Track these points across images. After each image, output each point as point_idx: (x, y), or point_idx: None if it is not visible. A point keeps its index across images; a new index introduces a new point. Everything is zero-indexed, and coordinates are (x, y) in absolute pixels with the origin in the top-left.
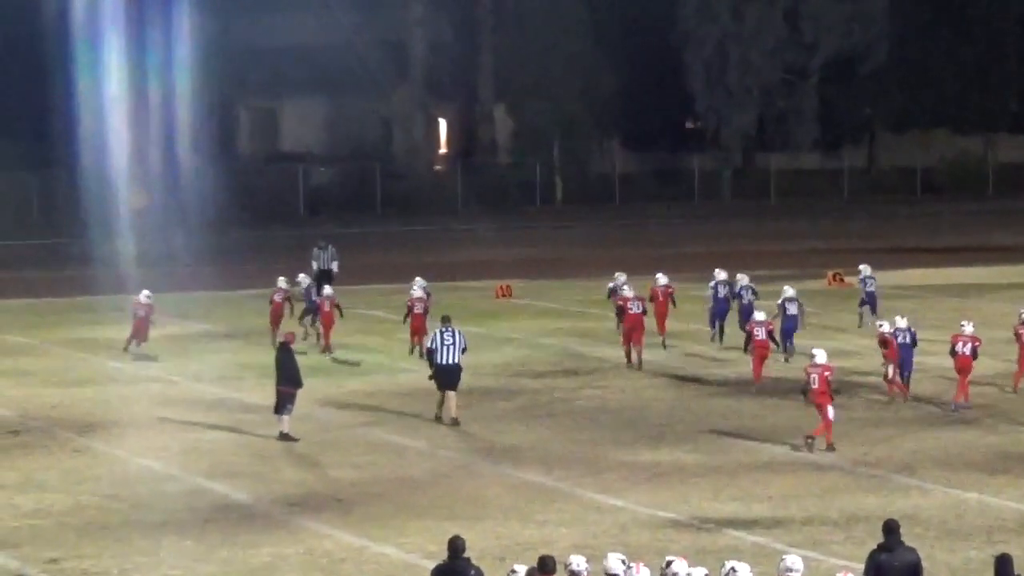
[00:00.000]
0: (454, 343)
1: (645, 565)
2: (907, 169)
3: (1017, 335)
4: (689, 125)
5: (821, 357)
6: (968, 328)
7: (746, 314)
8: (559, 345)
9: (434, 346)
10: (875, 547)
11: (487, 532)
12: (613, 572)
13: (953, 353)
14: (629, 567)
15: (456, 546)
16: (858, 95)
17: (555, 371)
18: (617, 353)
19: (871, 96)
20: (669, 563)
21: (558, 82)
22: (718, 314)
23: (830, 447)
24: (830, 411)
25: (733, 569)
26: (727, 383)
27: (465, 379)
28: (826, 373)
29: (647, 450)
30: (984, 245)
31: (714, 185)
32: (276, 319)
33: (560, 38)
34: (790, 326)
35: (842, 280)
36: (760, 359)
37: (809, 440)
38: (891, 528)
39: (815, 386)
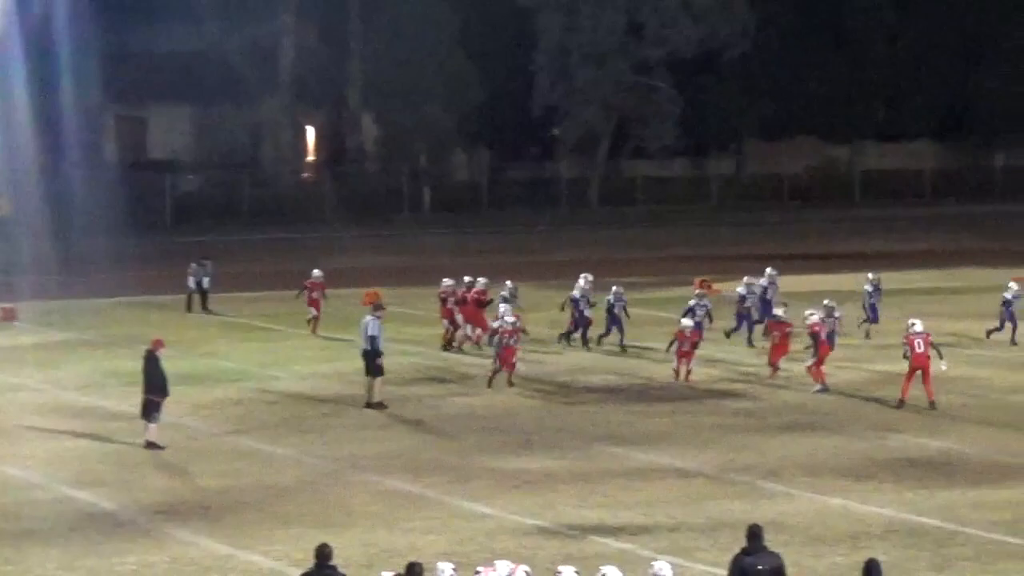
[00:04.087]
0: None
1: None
2: (774, 176)
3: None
4: (555, 132)
5: (919, 326)
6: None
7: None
8: (427, 353)
9: (375, 333)
10: (739, 551)
11: (354, 540)
12: None
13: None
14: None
15: (323, 554)
16: (725, 103)
17: (422, 378)
18: (481, 361)
19: (738, 104)
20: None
21: (425, 90)
22: (581, 323)
23: (932, 404)
24: (944, 365)
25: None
26: (593, 390)
27: (333, 386)
28: (928, 337)
29: (514, 457)
30: (851, 252)
31: (581, 193)
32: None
33: (427, 46)
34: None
35: (710, 287)
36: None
37: (933, 404)
38: (754, 533)
39: (920, 350)
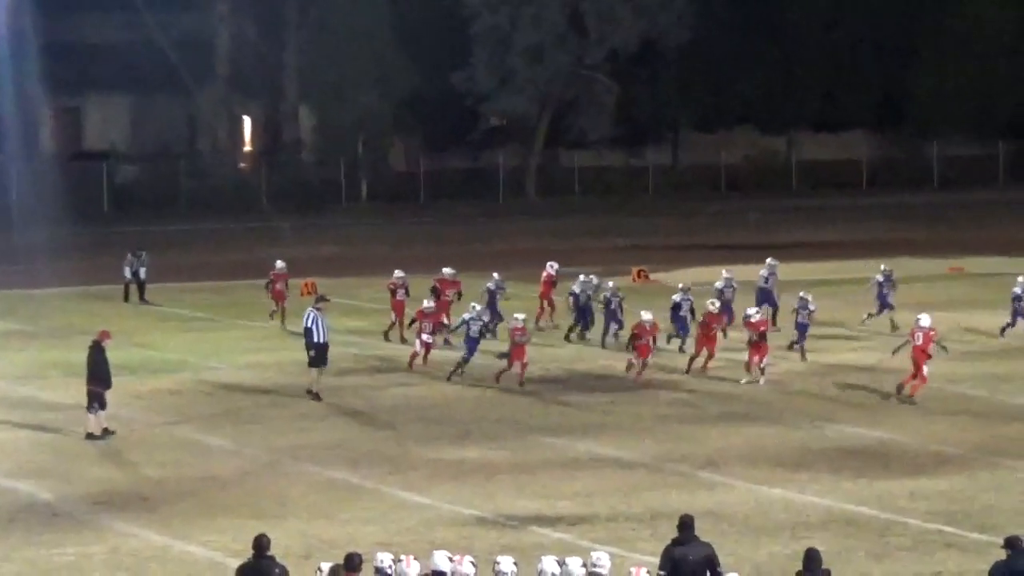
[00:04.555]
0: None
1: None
2: (711, 167)
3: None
4: (494, 122)
5: (926, 320)
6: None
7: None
8: (363, 343)
9: (312, 325)
10: (670, 542)
11: (292, 530)
12: (439, 568)
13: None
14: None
15: (261, 544)
16: (662, 94)
17: (359, 369)
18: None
19: (676, 95)
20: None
21: (361, 80)
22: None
23: (911, 399)
24: (925, 369)
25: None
26: (533, 380)
27: (270, 376)
28: (931, 333)
29: (452, 447)
30: (787, 242)
31: (518, 183)
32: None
33: (363, 37)
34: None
35: (647, 277)
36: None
37: (901, 388)
38: (685, 523)
39: (918, 343)
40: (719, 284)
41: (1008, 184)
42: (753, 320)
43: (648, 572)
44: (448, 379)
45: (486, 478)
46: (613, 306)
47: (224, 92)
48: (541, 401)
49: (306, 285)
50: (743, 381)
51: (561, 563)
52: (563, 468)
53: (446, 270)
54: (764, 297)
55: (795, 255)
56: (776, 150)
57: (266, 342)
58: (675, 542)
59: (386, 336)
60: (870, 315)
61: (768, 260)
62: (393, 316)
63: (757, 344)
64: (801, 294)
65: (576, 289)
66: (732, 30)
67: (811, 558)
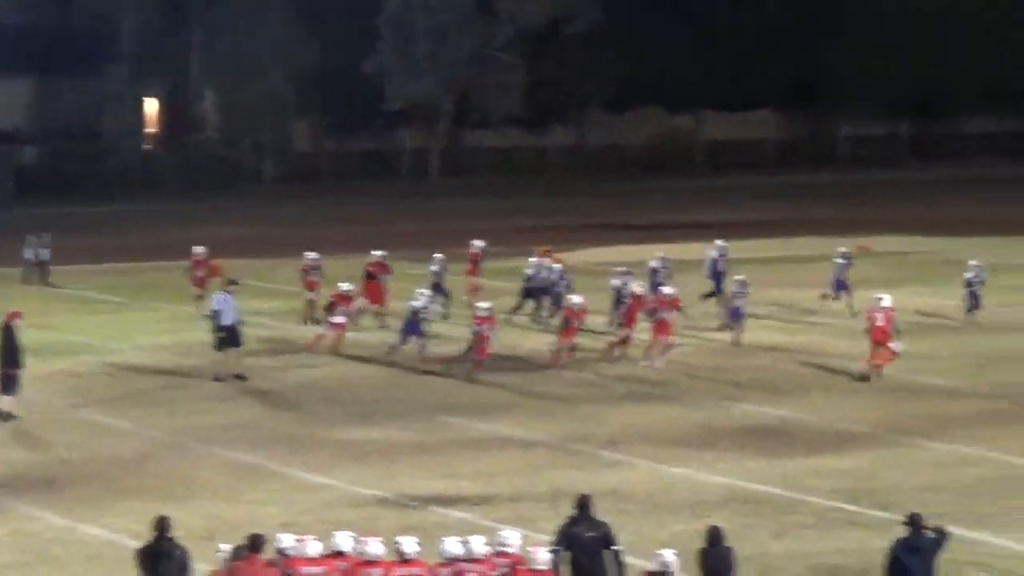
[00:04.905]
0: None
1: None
2: (617, 146)
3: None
4: (397, 104)
5: (887, 301)
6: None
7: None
8: (268, 324)
9: (220, 308)
10: (567, 520)
11: (195, 511)
12: (341, 548)
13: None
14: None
15: (163, 525)
16: (568, 74)
17: (263, 350)
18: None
19: (582, 75)
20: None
21: (265, 62)
22: None
23: (878, 374)
24: (893, 345)
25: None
26: (436, 360)
27: (174, 358)
28: (892, 313)
29: (355, 428)
30: (693, 221)
31: (423, 164)
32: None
33: (266, 17)
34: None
35: (552, 255)
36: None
37: (876, 367)
38: (582, 503)
39: (879, 323)
40: (653, 264)
41: (913, 163)
42: (665, 297)
43: (547, 550)
44: (390, 363)
45: (389, 459)
46: (559, 288)
47: (128, 73)
48: (445, 381)
49: (212, 267)
50: (642, 363)
51: (464, 542)
52: (466, 448)
53: (376, 252)
54: (715, 280)
55: (701, 235)
56: (683, 130)
57: (170, 324)
58: (572, 520)
59: (304, 318)
60: (826, 295)
61: (717, 242)
62: (309, 297)
63: (663, 322)
64: (738, 278)
65: (529, 272)
66: (640, 10)
67: (714, 535)
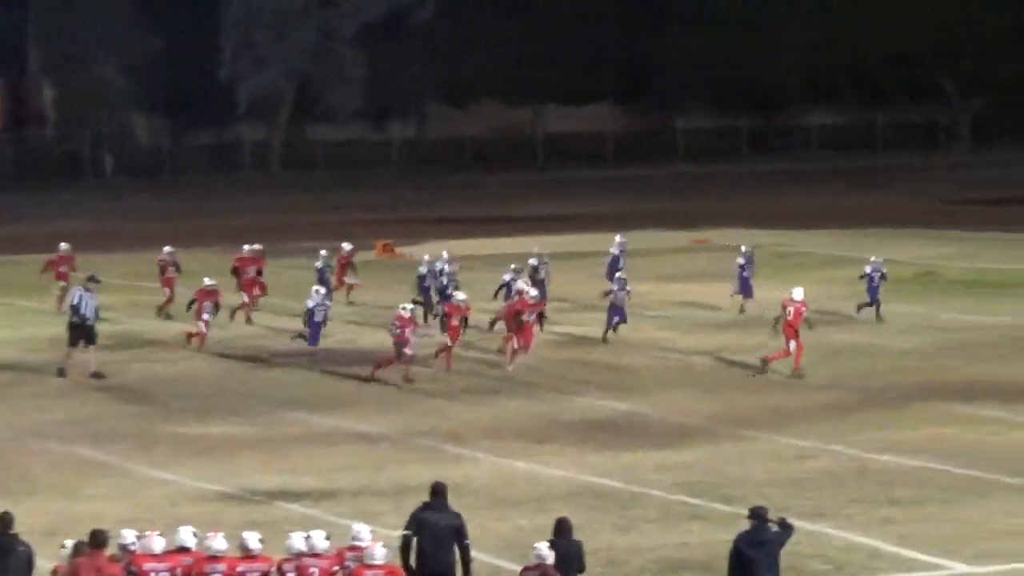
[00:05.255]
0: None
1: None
2: (456, 139)
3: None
4: (239, 96)
5: (799, 294)
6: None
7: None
8: (110, 318)
9: (78, 303)
10: (420, 505)
11: (36, 508)
12: (184, 544)
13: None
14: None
15: (4, 521)
16: (408, 67)
17: (104, 345)
18: (166, 327)
19: (422, 68)
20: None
21: (103, 54)
22: None
23: (799, 373)
24: (793, 345)
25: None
26: (280, 355)
27: (13, 353)
28: (802, 308)
29: (197, 423)
30: (532, 215)
31: (264, 157)
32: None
33: (103, 9)
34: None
35: (392, 250)
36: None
37: (764, 362)
38: (437, 490)
39: (789, 318)
40: (533, 262)
41: (750, 157)
42: (528, 300)
43: (385, 547)
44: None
45: (231, 453)
46: (449, 290)
47: None
48: (288, 376)
49: (51, 260)
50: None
51: (307, 537)
52: (309, 443)
53: (246, 247)
54: (609, 275)
55: (540, 228)
56: (522, 123)
57: (10, 319)
58: (425, 506)
59: (159, 312)
60: (733, 296)
61: (617, 238)
62: (166, 292)
63: (527, 325)
64: (618, 275)
65: (423, 270)
66: (479, 3)
67: (562, 526)
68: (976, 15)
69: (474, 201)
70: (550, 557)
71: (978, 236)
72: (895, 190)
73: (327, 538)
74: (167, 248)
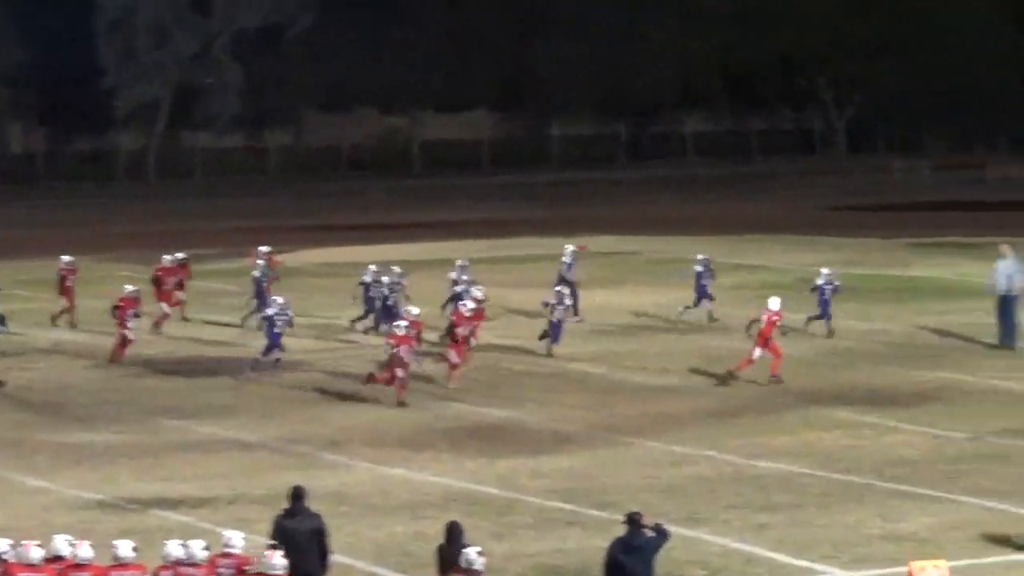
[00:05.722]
0: None
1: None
2: (333, 147)
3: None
4: (116, 104)
5: (775, 304)
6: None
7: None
8: None
9: None
10: (281, 512)
11: None
12: (59, 553)
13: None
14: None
15: None
16: (285, 75)
17: None
18: (44, 334)
19: (299, 76)
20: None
21: None
22: None
23: (777, 378)
24: (758, 352)
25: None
26: (156, 363)
27: None
28: (775, 318)
29: (74, 431)
30: (409, 222)
31: (140, 165)
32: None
33: None
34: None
35: (272, 258)
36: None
37: (732, 373)
38: (297, 495)
39: (763, 327)
40: (452, 274)
41: (627, 163)
42: (466, 313)
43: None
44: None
45: (108, 461)
46: (390, 302)
47: None
48: (165, 384)
49: None
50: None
51: (184, 545)
52: (185, 451)
53: (166, 257)
54: (566, 286)
55: (418, 235)
56: (399, 130)
57: None
58: (286, 513)
59: (54, 321)
60: (687, 307)
61: (567, 247)
62: (64, 302)
63: (465, 341)
64: (557, 288)
65: (367, 279)
66: (356, 10)
67: (453, 530)
68: (853, 23)
69: (352, 208)
70: (478, 562)
71: (855, 242)
72: (772, 196)
73: (205, 548)
74: (66, 257)
